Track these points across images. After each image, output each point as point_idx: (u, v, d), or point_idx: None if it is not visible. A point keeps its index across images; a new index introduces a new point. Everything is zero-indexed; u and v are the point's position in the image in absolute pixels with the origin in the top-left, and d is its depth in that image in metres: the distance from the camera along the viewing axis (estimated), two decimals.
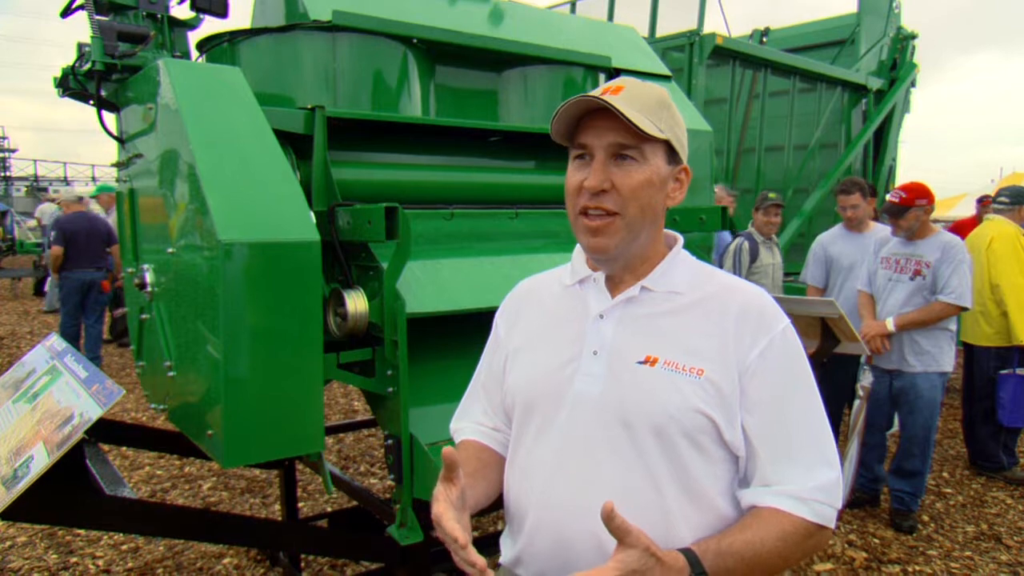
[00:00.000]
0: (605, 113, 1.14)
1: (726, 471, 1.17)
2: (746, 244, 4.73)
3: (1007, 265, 4.50)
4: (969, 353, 4.81)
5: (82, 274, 7.28)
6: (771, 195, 4.87)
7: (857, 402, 3.90)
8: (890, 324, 3.76)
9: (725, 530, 1.12)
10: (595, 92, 1.16)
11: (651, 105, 1.15)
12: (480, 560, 1.05)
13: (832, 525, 1.15)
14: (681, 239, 1.29)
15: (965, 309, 3.69)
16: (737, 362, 1.13)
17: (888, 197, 3.83)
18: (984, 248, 4.61)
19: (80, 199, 7.76)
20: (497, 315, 1.43)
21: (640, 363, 1.16)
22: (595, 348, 1.20)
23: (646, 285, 1.21)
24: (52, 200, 18.76)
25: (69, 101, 2.66)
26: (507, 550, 1.29)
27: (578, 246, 1.32)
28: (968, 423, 4.83)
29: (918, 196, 3.71)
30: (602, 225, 1.16)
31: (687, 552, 1.06)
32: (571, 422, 1.18)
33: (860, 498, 4.12)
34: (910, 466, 3.86)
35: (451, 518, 1.09)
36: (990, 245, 4.59)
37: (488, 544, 3.16)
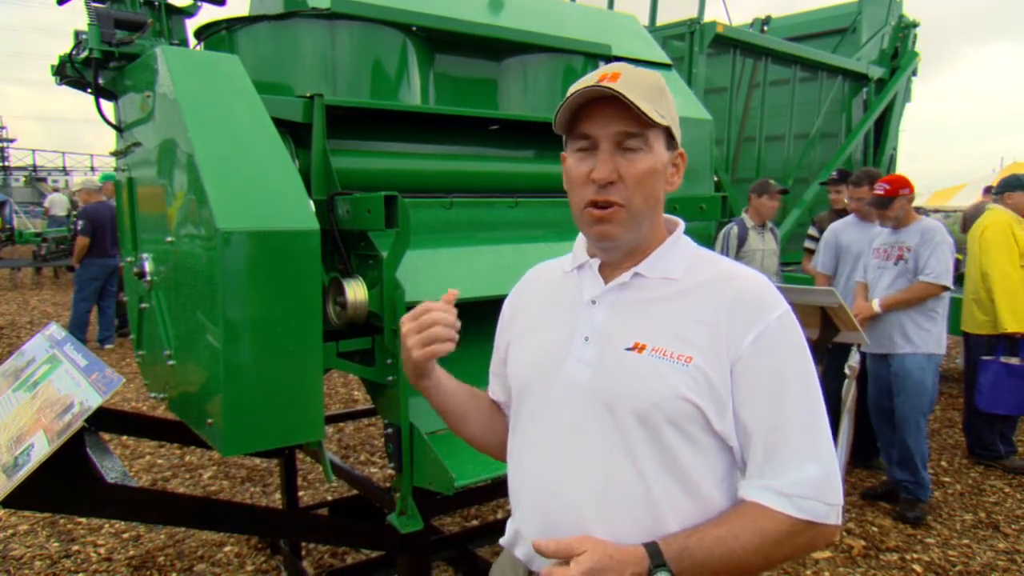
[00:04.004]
0: (607, 101, 1.12)
1: (720, 461, 1.15)
2: (735, 229, 4.98)
3: (997, 253, 4.55)
4: (967, 342, 4.83)
5: (105, 260, 7.82)
6: (771, 181, 5.02)
7: (846, 382, 3.94)
8: (875, 305, 3.90)
9: (699, 524, 1.11)
10: (590, 79, 1.14)
11: (651, 91, 1.13)
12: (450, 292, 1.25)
13: (830, 521, 1.10)
14: (682, 224, 1.27)
15: (947, 288, 3.80)
16: (728, 350, 1.10)
17: (874, 192, 3.92)
18: (978, 236, 4.66)
19: (100, 188, 8.10)
20: (506, 301, 1.45)
21: (628, 349, 1.15)
22: (586, 334, 1.20)
23: (639, 271, 1.20)
24: (58, 190, 18.74)
25: (70, 90, 2.65)
26: (508, 531, 1.31)
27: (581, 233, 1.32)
28: (968, 412, 4.85)
29: (900, 186, 3.87)
30: (608, 215, 1.15)
31: (649, 544, 1.06)
32: (560, 407, 1.19)
33: (889, 490, 4.14)
34: (903, 451, 3.89)
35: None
36: (983, 233, 4.64)
37: (491, 533, 3.18)
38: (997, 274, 4.49)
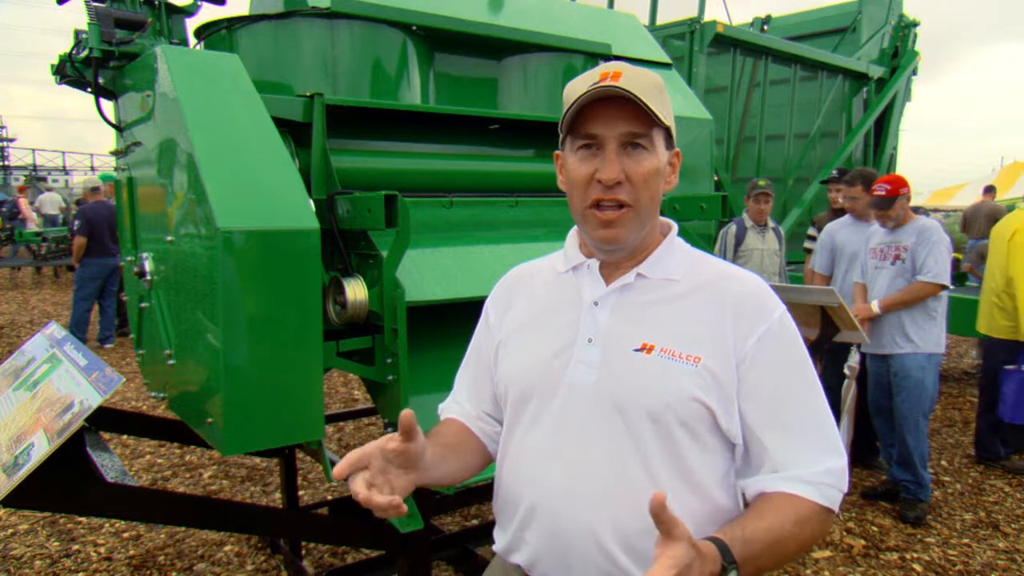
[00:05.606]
0: (612, 100, 1.11)
1: (722, 460, 1.16)
2: (733, 228, 5.03)
3: None
4: (987, 345, 4.80)
5: (105, 260, 7.77)
6: (760, 183, 5.00)
7: (846, 382, 3.95)
8: (875, 306, 3.90)
9: (742, 518, 1.10)
10: (590, 77, 1.13)
11: (654, 90, 1.13)
12: (387, 499, 1.01)
13: (836, 509, 1.14)
14: (676, 226, 1.27)
15: (945, 287, 3.80)
16: (735, 350, 1.12)
17: (874, 192, 3.92)
18: (1007, 239, 4.49)
19: (96, 188, 8.08)
20: (487, 302, 1.40)
21: (636, 351, 1.14)
22: (589, 336, 1.18)
23: (641, 272, 1.19)
24: (51, 190, 18.74)
25: (71, 89, 2.65)
26: (500, 539, 1.29)
27: (571, 232, 1.31)
28: (980, 413, 4.82)
29: (900, 186, 3.88)
30: (616, 217, 1.13)
31: (716, 541, 1.01)
32: (565, 410, 1.17)
33: (889, 490, 4.14)
34: (903, 451, 3.89)
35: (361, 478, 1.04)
36: (1013, 237, 4.46)
37: (491, 532, 3.18)
38: (1022, 281, 4.37)
